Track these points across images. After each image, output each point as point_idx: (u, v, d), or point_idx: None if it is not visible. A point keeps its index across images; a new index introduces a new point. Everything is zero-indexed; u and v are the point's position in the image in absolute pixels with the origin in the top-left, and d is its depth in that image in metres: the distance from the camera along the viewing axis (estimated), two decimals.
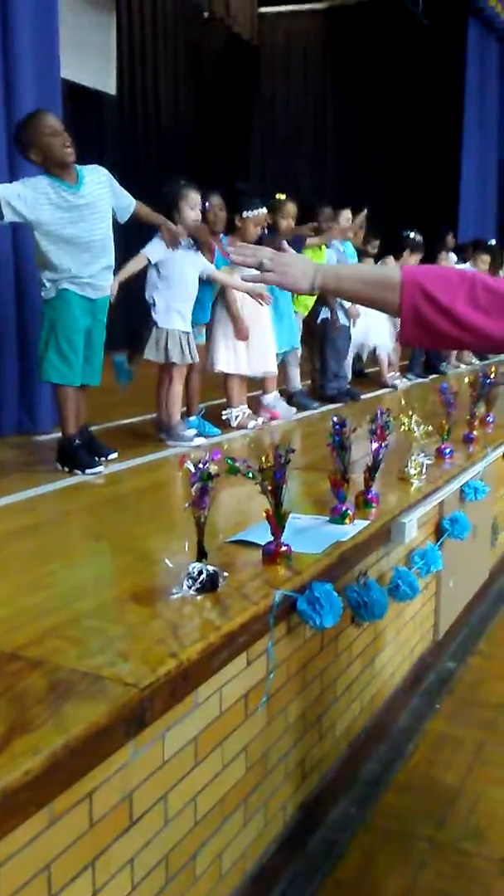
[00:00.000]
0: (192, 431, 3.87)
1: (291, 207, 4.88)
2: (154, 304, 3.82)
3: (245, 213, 4.24)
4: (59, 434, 3.38)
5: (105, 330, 3.42)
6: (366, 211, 6.06)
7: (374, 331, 5.89)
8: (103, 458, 3.37)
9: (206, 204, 4.08)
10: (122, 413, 4.47)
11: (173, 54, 10.92)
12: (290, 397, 5.09)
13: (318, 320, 5.32)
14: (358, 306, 5.46)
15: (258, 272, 1.49)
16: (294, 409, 4.76)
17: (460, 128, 9.09)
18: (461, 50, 8.99)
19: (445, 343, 1.41)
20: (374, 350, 6.10)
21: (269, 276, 1.47)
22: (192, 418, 4.12)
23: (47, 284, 3.22)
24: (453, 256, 7.34)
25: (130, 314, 3.98)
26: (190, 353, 3.88)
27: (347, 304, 5.38)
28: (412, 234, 6.51)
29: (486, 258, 7.28)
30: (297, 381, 5.16)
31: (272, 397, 4.65)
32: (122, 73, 9.66)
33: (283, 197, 4.88)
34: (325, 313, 5.33)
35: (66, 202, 3.15)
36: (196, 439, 3.82)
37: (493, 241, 7.99)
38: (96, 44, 8.83)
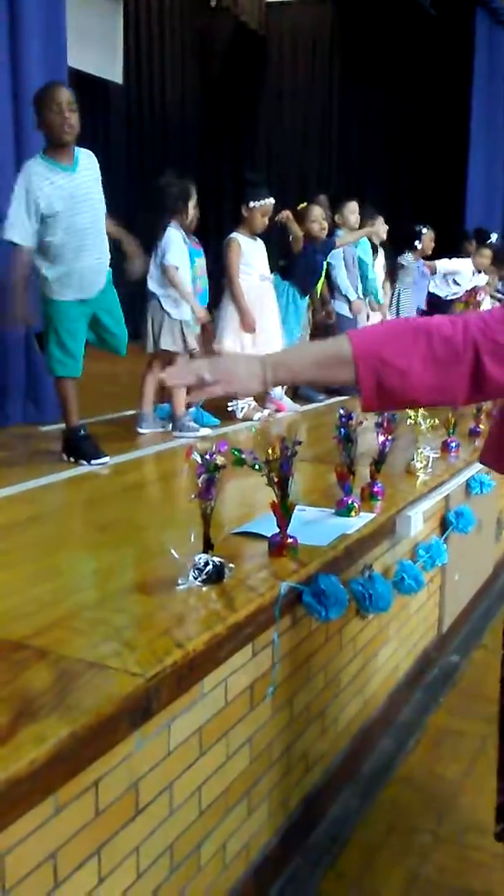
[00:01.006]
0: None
1: (318, 211, 4.91)
2: (168, 297, 3.82)
3: (252, 203, 4.23)
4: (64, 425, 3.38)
5: (117, 302, 3.40)
6: (380, 219, 6.01)
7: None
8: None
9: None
10: (127, 405, 4.47)
11: (180, 43, 10.87)
12: (295, 389, 5.09)
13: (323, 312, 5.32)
14: (360, 302, 5.44)
15: (205, 387, 1.37)
16: (299, 406, 4.76)
17: (468, 119, 9.03)
18: (469, 41, 8.92)
19: (412, 405, 1.36)
20: None
21: (215, 389, 1.37)
22: (192, 409, 4.13)
23: (43, 281, 3.19)
24: (482, 277, 7.17)
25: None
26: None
27: (353, 298, 5.37)
28: (424, 229, 6.49)
29: (487, 253, 7.21)
30: None
31: (279, 390, 4.64)
32: (129, 62, 9.62)
33: (304, 205, 4.93)
34: (329, 305, 5.32)
35: (61, 183, 3.11)
36: (202, 430, 3.82)
37: (494, 236, 7.94)
38: (103, 33, 8.80)
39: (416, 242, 6.47)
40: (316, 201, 5.22)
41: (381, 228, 5.73)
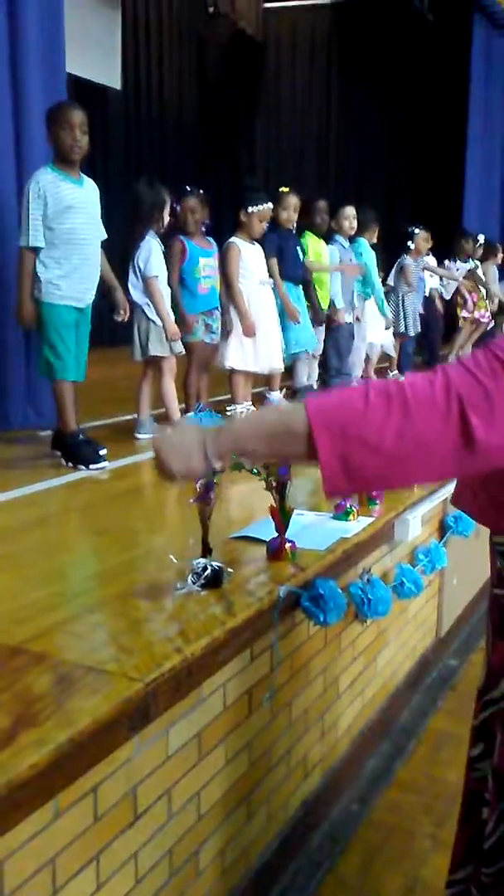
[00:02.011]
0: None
1: (293, 200, 4.84)
2: (150, 305, 3.82)
3: (250, 209, 4.24)
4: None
5: (90, 326, 3.45)
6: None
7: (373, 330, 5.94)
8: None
9: (177, 207, 4.08)
10: (125, 409, 4.47)
11: (178, 49, 10.90)
12: (293, 393, 5.10)
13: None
14: (342, 312, 5.36)
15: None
16: None
17: (465, 123, 9.07)
18: (466, 46, 8.96)
19: (389, 486, 1.11)
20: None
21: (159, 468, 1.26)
22: (191, 414, 4.12)
23: (40, 284, 3.22)
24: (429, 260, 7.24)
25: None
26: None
27: (339, 305, 5.32)
28: (416, 230, 6.51)
29: (424, 235, 7.09)
30: (303, 377, 5.15)
31: (277, 394, 4.65)
32: (127, 68, 9.65)
33: (286, 189, 4.86)
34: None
35: (69, 195, 3.20)
36: None
37: (482, 237, 8.10)
38: (102, 38, 8.82)
39: (409, 243, 6.49)
40: (317, 206, 5.16)
41: (355, 269, 5.63)
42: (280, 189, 4.88)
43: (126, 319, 3.60)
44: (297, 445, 1.09)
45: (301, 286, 4.93)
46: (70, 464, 3.27)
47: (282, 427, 1.14)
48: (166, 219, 3.90)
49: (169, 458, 1.23)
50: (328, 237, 5.32)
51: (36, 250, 3.18)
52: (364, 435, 1.05)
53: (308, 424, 1.08)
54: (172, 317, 3.84)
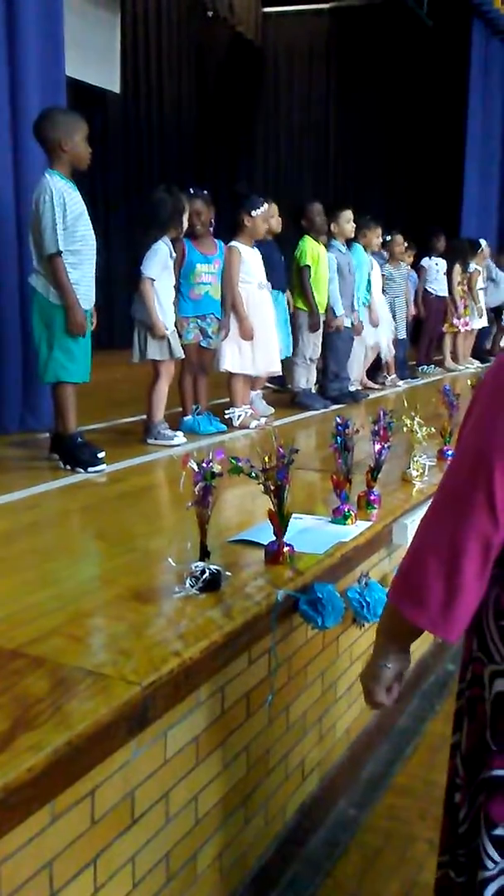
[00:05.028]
0: (172, 431, 3.88)
1: (273, 206, 4.93)
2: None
3: (254, 213, 4.26)
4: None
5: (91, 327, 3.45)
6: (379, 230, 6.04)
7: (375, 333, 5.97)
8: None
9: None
10: (127, 412, 4.48)
11: (177, 53, 10.92)
12: (293, 396, 5.11)
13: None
14: (340, 320, 5.35)
15: None
16: (272, 409, 4.77)
17: (464, 128, 9.10)
18: (465, 51, 8.99)
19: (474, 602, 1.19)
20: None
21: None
22: (188, 417, 4.13)
23: (52, 288, 3.21)
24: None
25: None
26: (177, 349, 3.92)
27: (338, 312, 5.31)
28: (390, 237, 6.55)
29: (399, 240, 7.12)
30: (301, 381, 5.16)
31: (254, 394, 4.68)
32: (126, 72, 9.67)
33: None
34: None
35: (78, 202, 3.23)
36: (176, 438, 3.80)
37: (484, 242, 8.14)
38: (101, 42, 8.85)
39: (383, 250, 6.55)
40: (312, 208, 5.16)
41: (374, 241, 5.78)
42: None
43: (94, 329, 3.52)
44: (396, 619, 1.24)
45: (286, 293, 5.02)
46: (68, 467, 3.27)
47: (394, 621, 1.29)
48: (185, 224, 3.91)
49: (370, 690, 1.38)
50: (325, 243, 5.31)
51: (62, 255, 3.15)
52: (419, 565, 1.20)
53: (403, 616, 1.22)
54: (160, 319, 3.78)
